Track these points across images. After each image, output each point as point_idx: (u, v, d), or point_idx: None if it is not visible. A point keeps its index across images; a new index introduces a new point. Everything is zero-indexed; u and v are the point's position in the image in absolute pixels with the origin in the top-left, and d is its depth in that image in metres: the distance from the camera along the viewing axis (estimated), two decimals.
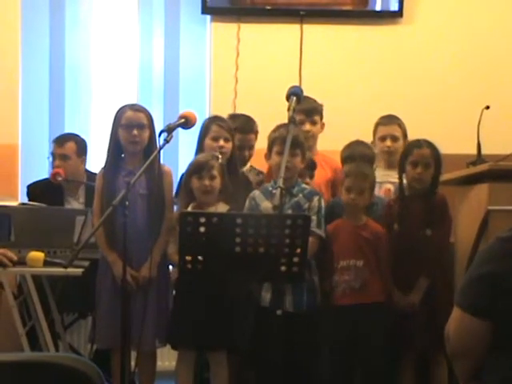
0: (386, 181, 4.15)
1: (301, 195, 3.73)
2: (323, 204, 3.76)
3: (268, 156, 3.85)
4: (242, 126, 4.25)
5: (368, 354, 3.67)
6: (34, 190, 4.57)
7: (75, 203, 4.52)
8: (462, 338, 2.07)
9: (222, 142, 3.97)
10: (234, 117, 4.40)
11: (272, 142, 3.80)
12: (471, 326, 2.03)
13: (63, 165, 4.49)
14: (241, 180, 4.02)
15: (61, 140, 4.58)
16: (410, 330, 3.73)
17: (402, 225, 3.83)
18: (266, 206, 3.67)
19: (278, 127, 3.81)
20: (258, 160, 4.15)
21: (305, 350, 3.69)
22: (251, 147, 4.30)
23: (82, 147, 4.62)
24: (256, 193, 3.82)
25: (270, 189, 3.68)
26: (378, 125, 4.34)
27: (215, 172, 3.68)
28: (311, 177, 3.99)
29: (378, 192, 4.19)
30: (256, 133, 4.30)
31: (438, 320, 3.31)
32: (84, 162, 4.63)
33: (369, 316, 3.66)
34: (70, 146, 4.56)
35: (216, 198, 3.71)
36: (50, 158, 4.60)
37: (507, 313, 1.98)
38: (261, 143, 4.16)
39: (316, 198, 3.74)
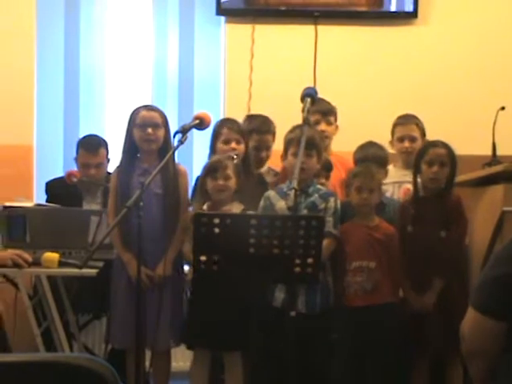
0: (406, 180, 4.11)
1: (316, 195, 3.72)
2: (339, 205, 3.76)
3: (284, 157, 3.85)
4: (259, 126, 4.25)
5: (380, 356, 3.66)
6: (53, 187, 4.55)
7: (93, 203, 4.50)
8: (476, 338, 2.06)
9: (233, 145, 3.97)
10: (251, 117, 4.40)
11: (288, 143, 3.80)
12: (486, 327, 2.03)
13: (98, 172, 4.47)
14: (256, 181, 4.02)
15: (93, 148, 4.49)
16: (425, 332, 3.72)
17: (417, 226, 3.81)
18: (282, 205, 3.66)
19: (294, 128, 3.80)
20: (276, 161, 4.14)
21: (318, 351, 3.68)
22: (268, 148, 4.28)
23: (108, 150, 4.59)
24: (271, 193, 3.82)
25: (285, 190, 3.68)
26: (395, 125, 4.33)
27: (229, 172, 3.69)
28: (327, 177, 3.98)
29: (398, 192, 4.18)
30: (273, 134, 4.29)
31: (454, 322, 3.30)
32: (109, 162, 4.60)
33: (380, 317, 3.65)
34: (102, 152, 4.52)
35: (231, 198, 3.71)
36: (81, 168, 4.50)
37: None
38: (277, 144, 4.16)
39: (332, 199, 3.73)
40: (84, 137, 4.64)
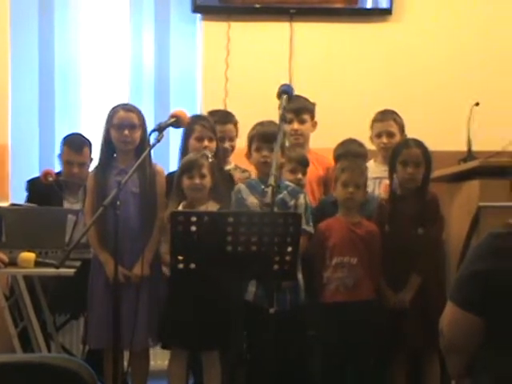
0: (386, 176, 4.08)
1: (285, 192, 3.72)
2: (309, 201, 3.76)
3: (248, 155, 3.85)
4: (220, 117, 4.27)
5: (360, 352, 3.67)
6: (34, 185, 4.50)
7: (74, 203, 4.46)
8: (455, 333, 2.08)
9: (206, 143, 3.96)
10: (212, 112, 4.38)
11: (250, 140, 3.81)
12: (464, 321, 2.04)
13: (82, 171, 4.44)
14: (225, 178, 4.00)
15: (78, 146, 4.49)
16: (402, 329, 3.72)
17: (394, 224, 3.81)
18: (253, 201, 3.68)
19: (256, 125, 3.85)
20: (243, 159, 4.12)
21: (292, 349, 3.66)
22: (231, 138, 4.28)
23: (91, 150, 4.56)
24: (241, 186, 3.81)
25: (262, 187, 3.66)
26: (373, 121, 4.32)
27: (205, 170, 3.68)
28: (304, 173, 3.99)
29: (378, 188, 4.19)
30: (235, 124, 4.30)
31: (431, 318, 3.32)
32: (91, 162, 4.56)
33: (360, 314, 3.65)
34: (86, 151, 4.51)
35: (206, 197, 3.70)
36: (64, 166, 4.51)
37: (499, 309, 1.99)
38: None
39: (302, 196, 3.74)
40: (69, 135, 4.63)
